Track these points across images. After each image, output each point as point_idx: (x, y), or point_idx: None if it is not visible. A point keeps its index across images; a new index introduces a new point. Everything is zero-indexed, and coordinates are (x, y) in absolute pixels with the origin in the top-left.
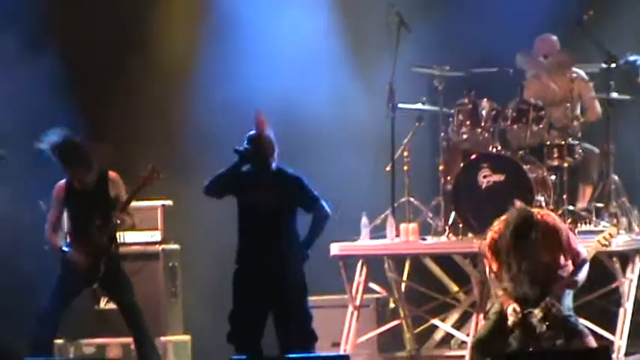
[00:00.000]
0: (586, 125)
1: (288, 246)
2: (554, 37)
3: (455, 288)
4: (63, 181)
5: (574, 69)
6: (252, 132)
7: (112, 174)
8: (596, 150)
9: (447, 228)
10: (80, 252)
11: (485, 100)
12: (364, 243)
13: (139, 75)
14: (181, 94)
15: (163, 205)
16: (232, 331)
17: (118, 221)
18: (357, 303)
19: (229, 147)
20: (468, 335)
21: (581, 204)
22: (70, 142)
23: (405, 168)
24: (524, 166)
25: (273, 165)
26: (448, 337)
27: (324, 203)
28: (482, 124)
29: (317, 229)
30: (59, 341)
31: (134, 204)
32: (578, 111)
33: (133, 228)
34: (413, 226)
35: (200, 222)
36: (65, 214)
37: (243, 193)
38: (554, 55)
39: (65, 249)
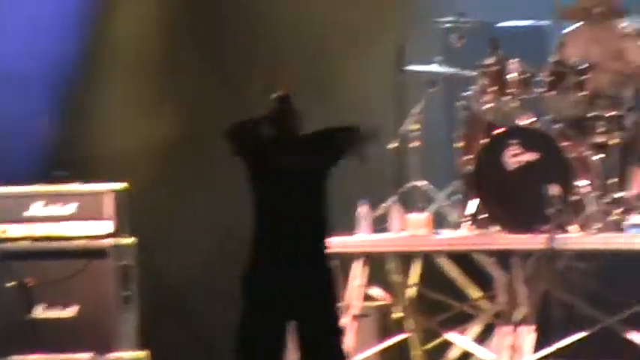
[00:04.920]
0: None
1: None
2: None
3: (476, 294)
4: None
5: (627, 22)
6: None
7: None
8: None
9: (466, 219)
10: None
11: (514, 60)
12: (363, 238)
13: None
14: None
15: (115, 191)
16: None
17: None
18: (355, 312)
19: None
20: (493, 353)
21: (634, 190)
22: None
23: (415, 144)
24: (562, 143)
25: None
26: (466, 354)
27: None
28: (511, 90)
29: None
30: None
31: (77, 188)
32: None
33: None
34: (424, 216)
35: (166, 209)
36: None
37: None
38: (603, 2)
39: None
